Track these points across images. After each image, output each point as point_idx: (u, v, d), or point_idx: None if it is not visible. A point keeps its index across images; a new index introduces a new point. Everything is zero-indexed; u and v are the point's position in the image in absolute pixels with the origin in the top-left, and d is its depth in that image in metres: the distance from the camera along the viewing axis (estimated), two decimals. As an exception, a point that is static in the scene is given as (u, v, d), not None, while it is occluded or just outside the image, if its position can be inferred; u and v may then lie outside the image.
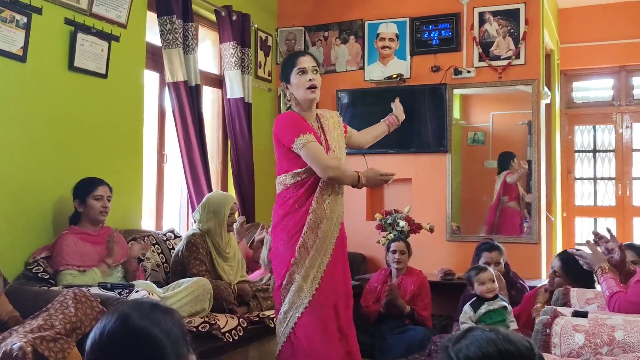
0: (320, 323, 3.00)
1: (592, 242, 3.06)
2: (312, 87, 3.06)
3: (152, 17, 4.44)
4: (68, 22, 3.70)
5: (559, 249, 6.56)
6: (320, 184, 3.06)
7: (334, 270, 3.08)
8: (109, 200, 3.60)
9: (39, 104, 3.56)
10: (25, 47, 3.41)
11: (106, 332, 1.34)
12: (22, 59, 3.41)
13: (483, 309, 3.73)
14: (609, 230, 3.04)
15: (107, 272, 3.49)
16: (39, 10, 3.48)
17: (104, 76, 3.95)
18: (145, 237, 3.98)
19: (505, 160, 5.64)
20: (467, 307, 3.82)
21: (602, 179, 7.11)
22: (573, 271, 3.50)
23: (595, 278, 2.93)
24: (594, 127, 7.17)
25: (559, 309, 2.71)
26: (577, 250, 3.17)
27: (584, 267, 3.03)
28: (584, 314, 2.56)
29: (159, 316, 1.37)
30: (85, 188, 3.54)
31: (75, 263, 3.37)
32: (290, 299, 3.03)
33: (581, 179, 7.21)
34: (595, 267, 2.92)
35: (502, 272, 4.15)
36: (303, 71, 3.05)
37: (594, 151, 7.15)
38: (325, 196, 3.07)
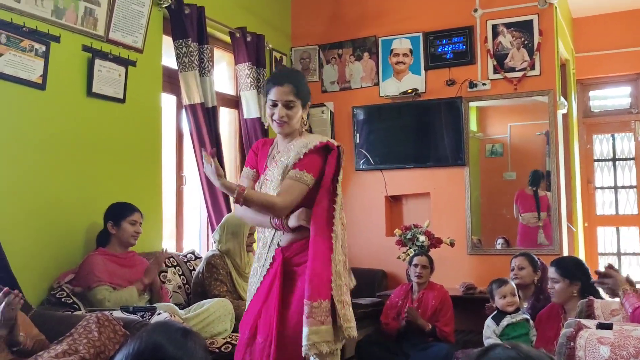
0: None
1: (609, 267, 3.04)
2: (278, 121, 2.79)
3: (167, 41, 4.49)
4: (85, 49, 3.76)
5: (582, 259, 6.50)
6: None
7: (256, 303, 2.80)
8: (140, 226, 3.66)
9: (59, 131, 3.61)
10: (44, 75, 3.47)
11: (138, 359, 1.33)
12: (41, 86, 3.46)
13: (505, 322, 3.71)
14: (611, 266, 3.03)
15: (142, 292, 3.53)
16: (57, 39, 3.54)
17: (122, 101, 4.00)
18: (158, 253, 3.96)
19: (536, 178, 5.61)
20: (489, 321, 3.80)
21: (623, 187, 7.05)
22: (567, 271, 3.49)
23: (620, 300, 2.89)
24: (612, 136, 7.12)
25: (583, 321, 2.68)
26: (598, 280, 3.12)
27: (606, 292, 3.00)
28: (609, 326, 2.53)
29: (191, 345, 1.36)
30: (122, 212, 3.61)
31: (107, 280, 3.42)
32: None
33: (602, 188, 7.15)
34: (619, 290, 2.90)
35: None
36: (273, 104, 2.79)
37: (614, 160, 7.10)
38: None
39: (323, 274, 2.63)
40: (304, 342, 2.54)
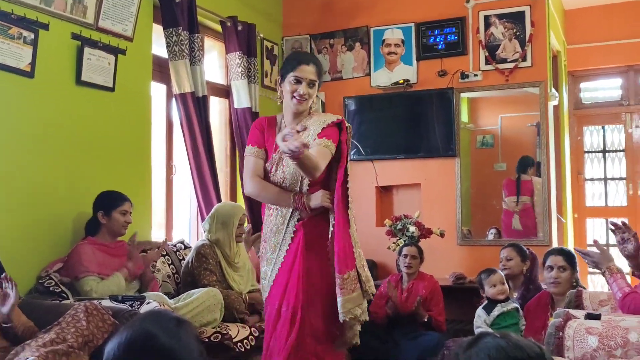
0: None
1: (608, 237, 3.07)
2: (299, 98, 2.90)
3: (158, 30, 4.46)
4: (75, 36, 3.73)
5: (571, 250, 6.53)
6: None
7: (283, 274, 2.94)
8: (130, 215, 3.65)
9: (48, 119, 3.58)
10: (32, 63, 3.43)
11: (130, 348, 1.33)
12: (30, 74, 3.43)
13: (496, 312, 3.72)
14: (624, 223, 3.02)
15: (128, 277, 3.52)
16: (45, 26, 3.50)
17: (112, 89, 3.97)
18: (149, 250, 3.96)
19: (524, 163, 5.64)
20: (480, 311, 3.81)
21: (613, 179, 7.07)
22: (574, 261, 3.54)
23: (605, 278, 2.91)
24: (603, 128, 7.14)
25: (572, 311, 2.69)
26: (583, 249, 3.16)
27: (590, 266, 3.02)
28: (597, 316, 2.54)
29: (184, 335, 1.36)
30: (113, 201, 3.59)
31: (95, 270, 3.40)
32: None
33: (591, 179, 7.18)
34: (603, 267, 2.91)
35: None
36: (297, 81, 2.89)
37: (604, 151, 7.12)
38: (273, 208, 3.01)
39: (347, 247, 2.85)
40: (340, 310, 2.78)
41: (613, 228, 3.00)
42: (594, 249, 3.05)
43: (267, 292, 2.98)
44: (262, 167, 2.96)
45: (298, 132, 2.55)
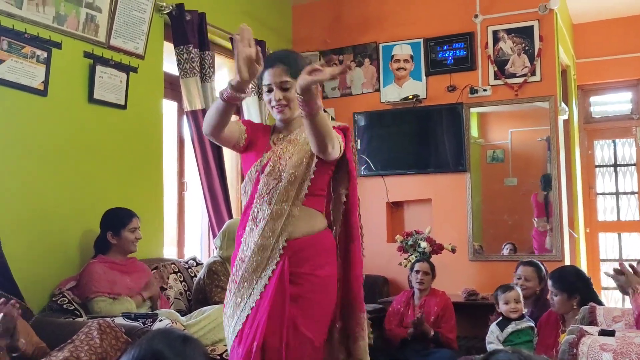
0: None
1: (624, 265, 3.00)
2: (276, 106, 2.56)
3: (169, 47, 4.50)
4: (87, 55, 3.76)
5: (584, 265, 6.49)
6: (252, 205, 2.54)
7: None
8: (139, 230, 3.64)
9: (61, 137, 3.61)
10: (46, 82, 3.47)
11: None
12: (43, 93, 3.46)
13: (510, 328, 3.70)
14: (631, 266, 2.98)
15: (141, 305, 3.52)
16: (58, 45, 3.54)
17: (124, 107, 4.00)
18: (161, 266, 3.97)
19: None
20: (493, 327, 3.80)
21: (625, 193, 7.04)
22: (566, 285, 3.49)
23: (629, 299, 2.87)
24: (613, 141, 7.12)
25: (585, 327, 2.67)
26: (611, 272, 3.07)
27: (619, 289, 2.98)
28: (611, 333, 2.52)
29: (190, 352, 1.36)
30: (120, 220, 3.56)
31: (106, 290, 3.39)
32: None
33: (603, 194, 7.14)
34: (629, 288, 2.88)
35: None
36: (269, 89, 2.57)
37: (615, 165, 7.09)
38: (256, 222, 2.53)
39: (361, 281, 2.68)
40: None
41: (612, 274, 2.95)
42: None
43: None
44: (231, 129, 2.55)
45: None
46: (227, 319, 2.52)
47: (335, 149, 2.43)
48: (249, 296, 2.46)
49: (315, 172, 2.52)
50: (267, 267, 2.46)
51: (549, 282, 3.59)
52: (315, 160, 2.50)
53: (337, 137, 2.46)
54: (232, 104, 2.37)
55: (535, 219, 5.60)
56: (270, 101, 2.58)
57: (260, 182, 2.53)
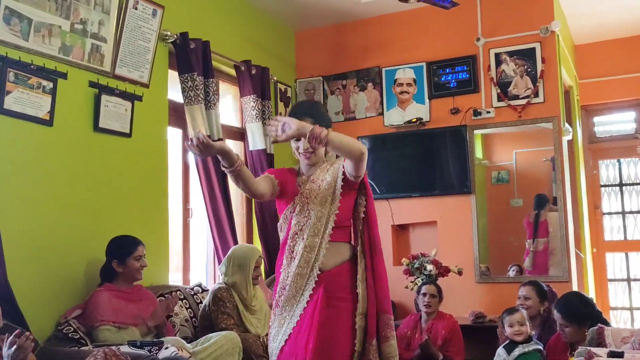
0: None
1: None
2: (304, 154, 2.96)
3: (173, 75, 4.54)
4: (92, 84, 3.80)
5: (591, 285, 6.46)
6: (288, 239, 2.94)
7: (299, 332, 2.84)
8: (145, 258, 3.64)
9: (67, 166, 3.64)
10: (51, 112, 3.50)
11: None
12: (48, 123, 3.50)
13: (517, 352, 3.67)
14: None
15: (146, 333, 3.51)
16: (64, 75, 3.58)
17: (129, 135, 4.03)
18: (168, 295, 3.95)
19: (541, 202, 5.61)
20: (500, 350, 3.77)
21: (631, 212, 7.01)
22: (575, 316, 3.46)
23: None
24: (618, 161, 7.11)
25: (594, 349, 2.66)
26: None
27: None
28: (620, 354, 2.51)
29: None
30: (126, 249, 3.56)
31: (111, 319, 3.39)
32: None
33: (609, 213, 7.11)
34: None
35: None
36: (297, 138, 2.84)
37: (621, 185, 7.07)
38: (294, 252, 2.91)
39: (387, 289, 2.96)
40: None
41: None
42: None
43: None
44: (265, 185, 2.93)
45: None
46: (272, 337, 2.93)
47: (362, 147, 2.77)
48: (291, 317, 2.85)
49: (340, 201, 2.90)
50: (304, 291, 2.84)
51: (557, 315, 3.56)
52: (340, 190, 2.90)
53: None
54: (236, 174, 2.75)
55: (527, 241, 5.61)
56: (298, 148, 2.95)
57: (293, 220, 2.92)
